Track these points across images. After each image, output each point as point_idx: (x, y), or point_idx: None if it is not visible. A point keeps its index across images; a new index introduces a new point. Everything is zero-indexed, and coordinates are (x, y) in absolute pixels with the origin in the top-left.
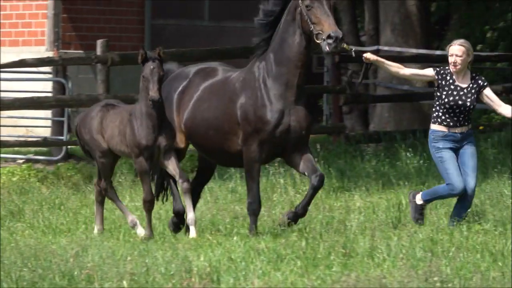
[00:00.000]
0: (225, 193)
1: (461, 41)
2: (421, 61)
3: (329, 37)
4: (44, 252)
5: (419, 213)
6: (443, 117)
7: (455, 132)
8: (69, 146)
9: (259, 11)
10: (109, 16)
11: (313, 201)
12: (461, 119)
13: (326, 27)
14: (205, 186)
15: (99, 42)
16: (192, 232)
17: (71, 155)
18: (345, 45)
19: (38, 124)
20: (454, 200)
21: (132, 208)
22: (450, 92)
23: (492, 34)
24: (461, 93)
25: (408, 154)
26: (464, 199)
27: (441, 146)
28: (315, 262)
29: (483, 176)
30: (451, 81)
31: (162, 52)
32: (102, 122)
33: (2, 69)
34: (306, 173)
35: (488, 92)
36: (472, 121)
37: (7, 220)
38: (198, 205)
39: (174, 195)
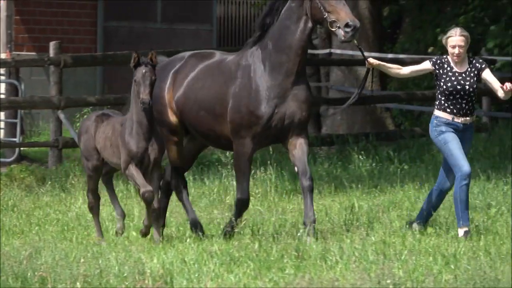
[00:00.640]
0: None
1: (460, 30)
2: None
3: (347, 25)
4: None
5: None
6: (445, 104)
7: (459, 122)
8: (22, 148)
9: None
10: (61, 18)
11: (266, 204)
12: (464, 105)
13: (343, 16)
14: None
15: (51, 44)
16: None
17: (24, 157)
18: (355, 41)
19: None
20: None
21: (85, 210)
22: (448, 78)
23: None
24: (460, 77)
25: (360, 157)
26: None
27: (444, 130)
28: (268, 265)
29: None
30: (448, 68)
31: (154, 56)
32: (95, 134)
33: None
34: (297, 170)
35: (486, 73)
36: (474, 112)
37: None
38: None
39: (186, 206)
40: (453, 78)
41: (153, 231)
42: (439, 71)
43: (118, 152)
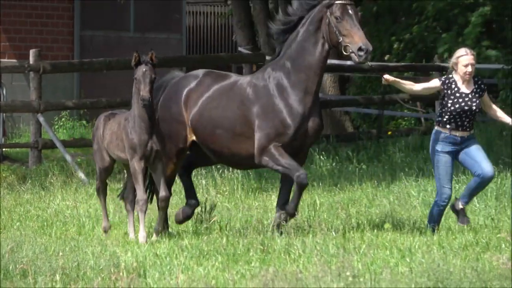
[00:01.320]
0: None
1: (468, 49)
2: (333, 70)
3: (360, 49)
4: None
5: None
6: (447, 122)
7: (456, 135)
8: (4, 149)
9: (275, 20)
10: (41, 28)
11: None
12: (465, 123)
13: (357, 40)
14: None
15: (31, 52)
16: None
17: (6, 157)
18: (368, 62)
19: None
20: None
21: (64, 206)
22: (455, 100)
23: (399, 45)
24: (466, 99)
25: (321, 157)
26: (482, 182)
27: (439, 149)
28: (235, 258)
29: (392, 178)
30: (456, 89)
31: (154, 56)
32: (103, 132)
33: None
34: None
35: (486, 95)
36: (473, 127)
37: None
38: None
39: (186, 188)
40: (460, 100)
41: (139, 226)
42: (447, 91)
43: (122, 145)
